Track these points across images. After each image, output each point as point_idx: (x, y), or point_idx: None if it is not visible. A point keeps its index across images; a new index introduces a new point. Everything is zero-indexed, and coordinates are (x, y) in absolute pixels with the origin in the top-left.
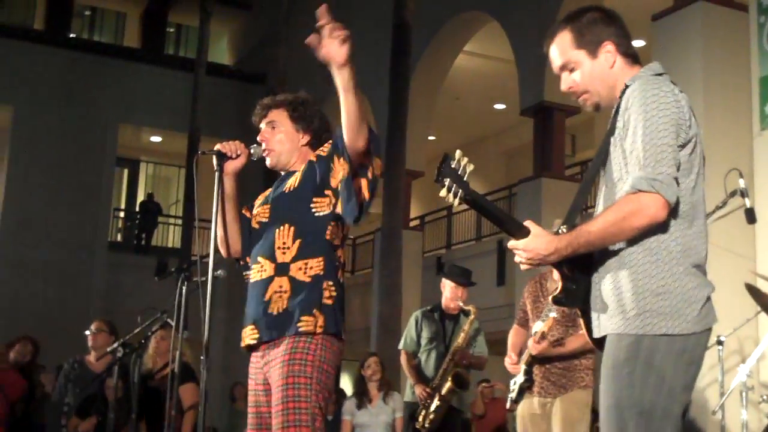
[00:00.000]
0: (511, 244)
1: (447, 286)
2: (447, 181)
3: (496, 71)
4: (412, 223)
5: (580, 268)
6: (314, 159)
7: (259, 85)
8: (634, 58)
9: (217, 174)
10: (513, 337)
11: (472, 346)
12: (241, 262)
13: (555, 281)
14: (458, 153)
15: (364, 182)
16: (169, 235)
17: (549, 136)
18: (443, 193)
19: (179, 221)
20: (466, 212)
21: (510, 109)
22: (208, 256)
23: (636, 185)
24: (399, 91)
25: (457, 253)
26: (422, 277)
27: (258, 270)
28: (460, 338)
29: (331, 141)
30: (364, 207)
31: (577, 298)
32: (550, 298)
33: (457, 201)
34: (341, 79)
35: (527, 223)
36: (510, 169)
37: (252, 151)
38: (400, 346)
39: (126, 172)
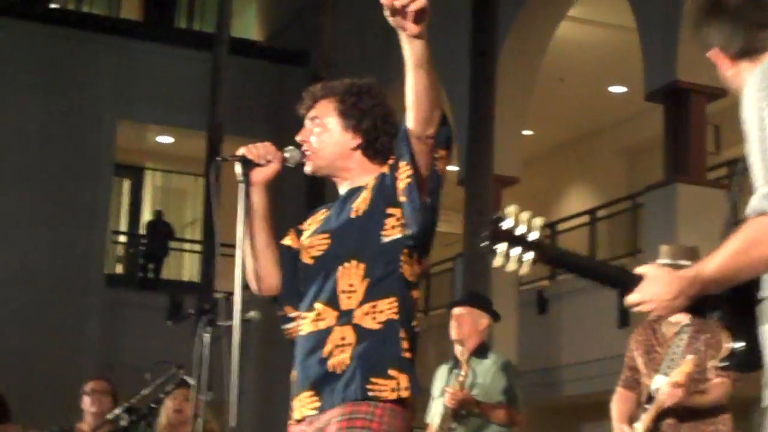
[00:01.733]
0: (629, 299)
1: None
2: (503, 248)
3: (612, 43)
4: None
5: (740, 315)
6: (387, 170)
7: (298, 66)
8: None
9: (241, 186)
10: (618, 404)
11: (493, 391)
12: (281, 312)
13: (673, 324)
14: (514, 208)
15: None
16: (185, 266)
17: (684, 128)
18: (499, 262)
19: (197, 247)
20: (577, 230)
21: (632, 92)
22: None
23: (757, 207)
24: (482, 74)
25: (565, 285)
26: (519, 318)
27: (314, 320)
28: (455, 385)
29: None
30: (424, 210)
31: (749, 359)
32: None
33: (525, 268)
34: (413, 51)
35: (641, 270)
36: (632, 173)
37: (287, 155)
38: (426, 418)
39: (127, 183)
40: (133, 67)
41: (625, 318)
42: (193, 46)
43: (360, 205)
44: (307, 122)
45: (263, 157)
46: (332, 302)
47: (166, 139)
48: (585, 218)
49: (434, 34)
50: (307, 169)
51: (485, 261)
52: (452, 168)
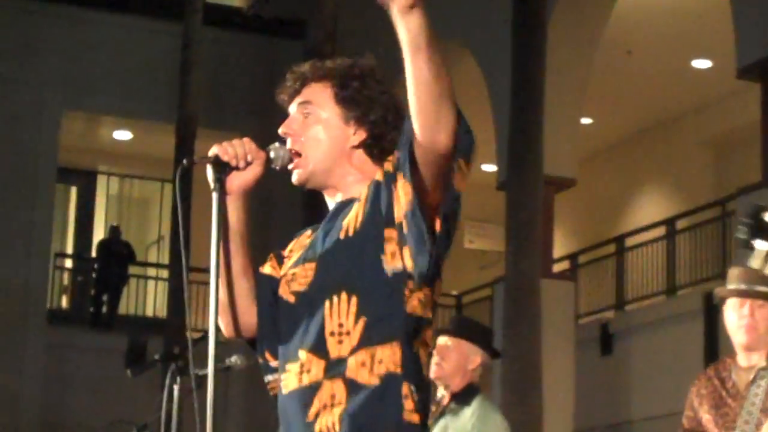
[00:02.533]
0: None
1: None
2: (766, 246)
3: (694, 4)
4: (558, 267)
5: None
6: (381, 177)
7: (292, 40)
8: None
9: (214, 194)
10: None
11: None
12: (261, 358)
13: (745, 369)
14: None
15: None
16: (148, 298)
17: None
18: (757, 263)
19: (164, 273)
20: (650, 246)
21: (720, 68)
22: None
23: None
24: (528, 48)
25: (636, 315)
26: (576, 360)
27: (297, 372)
28: None
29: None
30: (435, 246)
31: None
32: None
33: None
34: (408, 31)
35: None
36: (721, 170)
37: (272, 154)
38: None
39: (74, 191)
40: (83, 42)
41: (713, 352)
42: (159, 17)
43: (351, 222)
44: (294, 110)
45: (241, 157)
46: (319, 349)
47: (124, 135)
48: (660, 230)
49: (463, 1)
50: (295, 177)
51: (533, 285)
52: (490, 168)
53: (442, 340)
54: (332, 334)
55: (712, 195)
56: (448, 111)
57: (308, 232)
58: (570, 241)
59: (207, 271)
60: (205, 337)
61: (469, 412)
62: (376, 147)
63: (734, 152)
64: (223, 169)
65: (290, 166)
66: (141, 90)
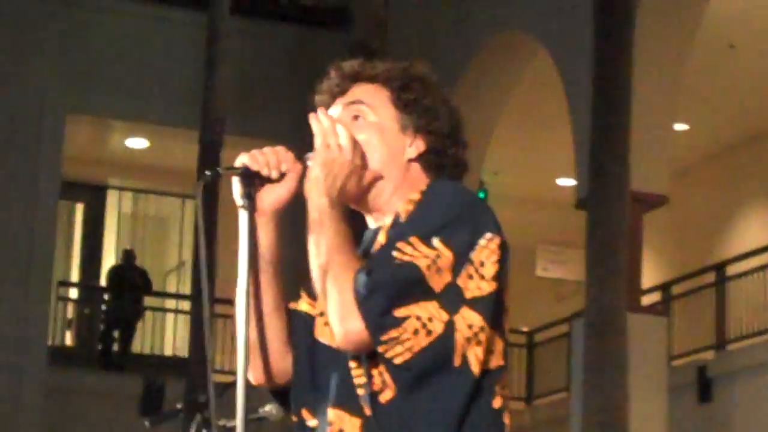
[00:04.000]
0: None
1: None
2: None
3: None
4: (648, 300)
5: None
6: (403, 206)
7: (336, 33)
8: None
9: (242, 212)
10: None
11: None
12: (296, 416)
13: None
14: None
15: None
16: (167, 334)
17: None
18: None
19: (185, 305)
20: (756, 274)
21: None
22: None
23: None
24: (612, 42)
25: (739, 357)
26: (670, 407)
27: None
28: None
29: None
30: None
31: None
32: None
33: None
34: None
35: None
36: None
37: (310, 163)
38: None
39: (80, 208)
40: (89, 34)
41: None
42: (179, 3)
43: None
44: (340, 109)
45: (274, 167)
46: (350, 403)
47: (138, 143)
48: None
49: None
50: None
51: (618, 321)
52: (567, 182)
53: None
54: (360, 385)
55: None
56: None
57: None
58: (662, 269)
59: (233, 303)
60: (234, 383)
61: None
62: (435, 162)
63: None
64: (252, 182)
65: None
66: (158, 90)
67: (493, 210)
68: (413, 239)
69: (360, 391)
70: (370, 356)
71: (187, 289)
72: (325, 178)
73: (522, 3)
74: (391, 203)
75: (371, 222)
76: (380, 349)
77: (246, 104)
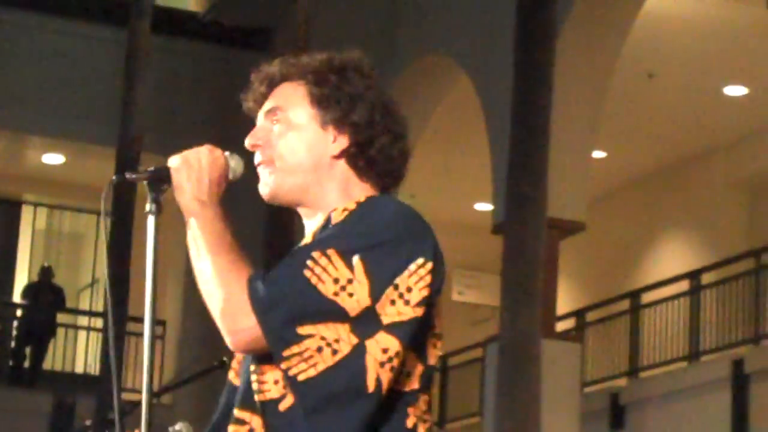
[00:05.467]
0: None
1: None
2: None
3: (728, 21)
4: (562, 326)
5: None
6: (337, 214)
7: (257, 52)
8: None
9: (150, 218)
10: None
11: None
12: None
13: None
14: None
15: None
16: (78, 351)
17: None
18: None
19: (98, 322)
20: (672, 302)
21: (756, 96)
22: (163, 391)
23: None
24: (532, 69)
25: (652, 384)
26: None
27: None
28: None
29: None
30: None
31: None
32: None
33: None
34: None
35: None
36: (755, 216)
37: (232, 164)
38: None
39: None
40: (7, 53)
41: (743, 427)
42: (99, 20)
43: None
44: (262, 118)
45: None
46: (253, 404)
47: (55, 159)
48: (683, 285)
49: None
50: (264, 191)
51: (532, 347)
52: (484, 207)
53: None
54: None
55: (744, 244)
56: (235, 320)
57: None
58: (577, 295)
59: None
60: (157, 398)
61: None
62: (362, 156)
63: None
64: (162, 184)
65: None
66: (76, 106)
67: (433, 232)
68: (331, 252)
69: (258, 397)
70: (264, 361)
71: (100, 306)
72: (188, 177)
73: (444, 28)
74: (322, 202)
75: (305, 221)
76: (282, 365)
77: (164, 123)
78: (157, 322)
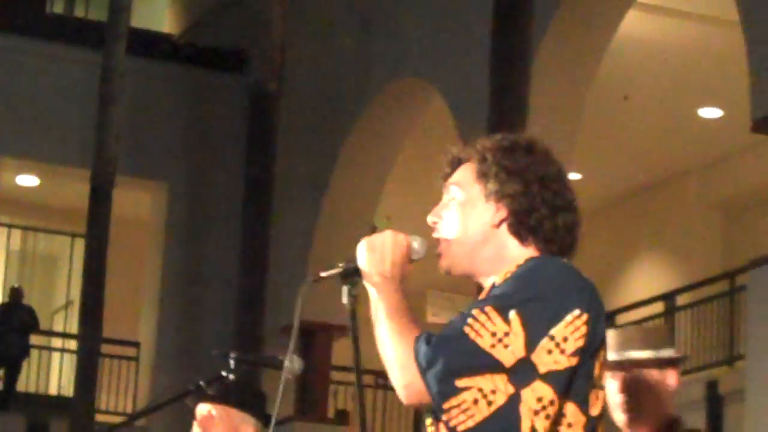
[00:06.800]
0: None
1: None
2: None
3: (703, 43)
4: None
5: None
6: (499, 277)
7: (232, 74)
8: None
9: (349, 309)
10: None
11: None
12: None
13: None
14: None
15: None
16: (52, 373)
17: None
18: None
19: (71, 344)
20: (647, 323)
21: (731, 118)
22: (145, 412)
23: None
24: (507, 91)
25: None
26: None
27: None
28: None
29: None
30: None
31: None
32: None
33: None
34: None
35: None
36: (730, 238)
37: (415, 245)
38: None
39: None
40: None
41: None
42: (74, 41)
43: None
44: (444, 197)
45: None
46: None
47: (28, 180)
48: (657, 307)
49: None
50: (441, 264)
51: None
52: None
53: (204, 408)
54: None
55: (718, 266)
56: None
57: None
58: None
59: (120, 342)
60: (119, 425)
61: None
62: (521, 226)
63: (746, 217)
64: (354, 280)
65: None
66: (51, 128)
67: (593, 287)
68: (489, 308)
69: None
70: (437, 415)
71: (74, 328)
72: (371, 258)
73: (420, 51)
74: (491, 268)
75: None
76: (444, 417)
77: (139, 145)
78: (131, 343)
